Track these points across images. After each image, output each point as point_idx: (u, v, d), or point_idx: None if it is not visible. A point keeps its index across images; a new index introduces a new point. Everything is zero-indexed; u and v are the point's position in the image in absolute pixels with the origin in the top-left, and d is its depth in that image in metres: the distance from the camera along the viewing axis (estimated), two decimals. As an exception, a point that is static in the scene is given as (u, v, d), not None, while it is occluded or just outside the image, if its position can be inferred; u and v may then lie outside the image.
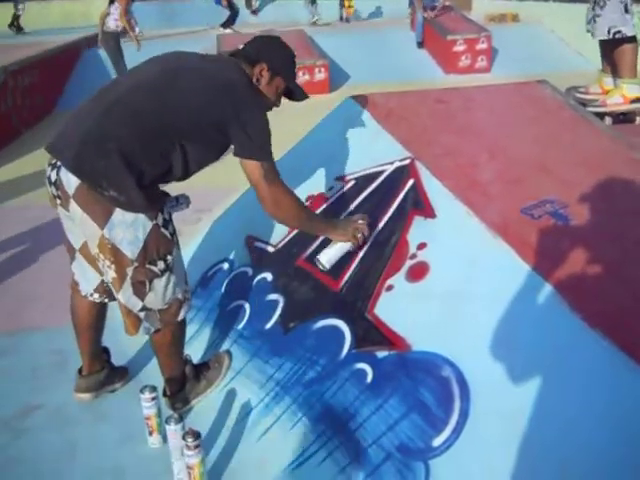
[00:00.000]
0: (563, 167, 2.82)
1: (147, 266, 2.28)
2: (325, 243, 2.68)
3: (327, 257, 2.60)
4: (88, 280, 2.51)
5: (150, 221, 2.24)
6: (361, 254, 2.63)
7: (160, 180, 2.30)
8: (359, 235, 2.57)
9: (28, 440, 2.53)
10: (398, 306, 2.37)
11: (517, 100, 3.88)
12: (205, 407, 2.61)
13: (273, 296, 2.81)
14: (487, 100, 3.88)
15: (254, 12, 16.05)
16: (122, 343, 2.89)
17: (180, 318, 2.48)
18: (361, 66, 7.96)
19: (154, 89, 2.27)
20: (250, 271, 3.02)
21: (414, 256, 2.48)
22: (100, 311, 2.67)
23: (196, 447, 2.14)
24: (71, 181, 2.16)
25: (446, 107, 3.64)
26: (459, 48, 11.10)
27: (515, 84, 4.25)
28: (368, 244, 2.63)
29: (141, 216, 2.21)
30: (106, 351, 2.82)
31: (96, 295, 2.55)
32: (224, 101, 2.27)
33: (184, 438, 2.16)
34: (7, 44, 10.71)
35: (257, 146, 2.31)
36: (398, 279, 2.44)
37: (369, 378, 2.23)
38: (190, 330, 2.96)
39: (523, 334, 2.04)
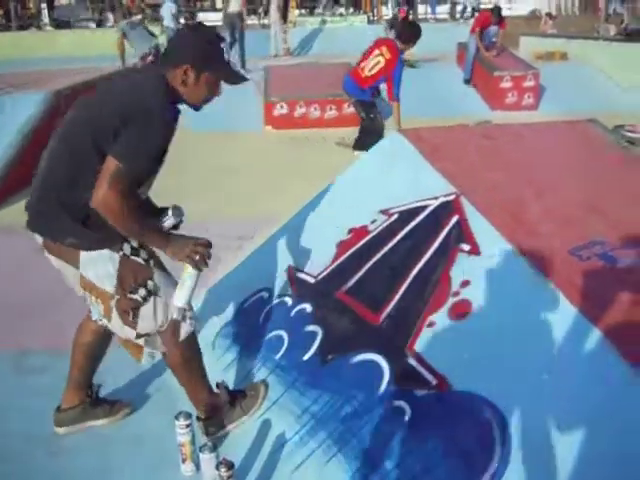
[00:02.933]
0: (613, 208, 2.76)
1: (129, 296, 2.33)
2: None
3: (178, 299, 2.33)
4: (95, 308, 2.53)
5: (116, 253, 2.31)
6: (402, 289, 2.60)
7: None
8: (197, 257, 2.27)
9: (65, 460, 2.54)
10: (439, 343, 2.33)
11: (566, 138, 3.83)
12: (239, 436, 2.59)
13: (312, 327, 2.79)
14: (535, 137, 3.84)
15: (289, 53, 15.77)
16: (160, 367, 2.90)
17: (182, 338, 2.45)
18: (407, 100, 7.99)
19: (67, 131, 2.35)
20: (290, 301, 3.01)
21: (457, 293, 2.44)
22: (102, 339, 2.65)
23: (229, 478, 2.12)
24: (38, 238, 2.37)
25: (493, 143, 3.61)
26: (506, 85, 11.05)
27: (564, 122, 4.21)
28: (408, 281, 2.60)
29: (104, 251, 2.29)
30: (91, 387, 2.75)
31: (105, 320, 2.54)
32: (116, 119, 2.19)
33: (218, 468, 2.14)
34: (67, 68, 11.03)
35: (125, 149, 2.16)
36: (440, 316, 2.41)
37: (407, 416, 2.19)
38: (228, 358, 2.97)
39: (568, 379, 1.98)
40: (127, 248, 2.33)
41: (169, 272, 2.49)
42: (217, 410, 2.61)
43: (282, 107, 10.02)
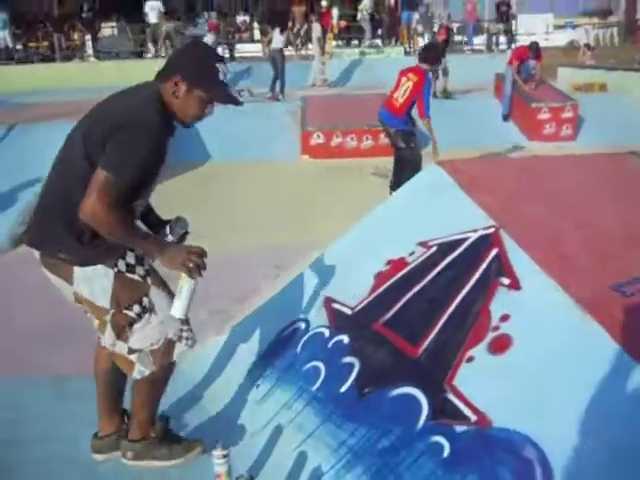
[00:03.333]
0: (657, 243, 2.72)
1: (124, 311, 2.35)
2: None
3: (175, 310, 2.30)
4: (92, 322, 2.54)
5: (111, 269, 2.31)
6: (441, 322, 2.59)
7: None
8: (190, 265, 2.23)
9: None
10: (479, 379, 2.30)
11: (606, 171, 3.79)
12: (276, 467, 2.57)
13: (349, 359, 2.78)
14: (575, 169, 3.81)
15: (326, 84, 15.88)
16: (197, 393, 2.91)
17: (173, 358, 2.47)
18: (444, 131, 8.00)
19: (64, 146, 2.37)
20: (327, 332, 3.01)
21: (497, 328, 2.41)
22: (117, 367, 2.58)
23: (265, 510, 2.10)
24: (35, 253, 2.36)
25: (532, 175, 3.58)
26: (544, 116, 11.02)
27: (604, 155, 4.17)
28: (447, 314, 2.58)
29: (99, 267, 2.30)
30: (125, 414, 2.72)
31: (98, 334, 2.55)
32: (106, 130, 2.19)
33: (253, 499, 2.13)
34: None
35: (113, 160, 2.15)
36: (479, 350, 2.38)
37: (446, 452, 2.16)
38: (263, 389, 2.97)
39: (610, 418, 1.93)
40: (122, 265, 2.33)
41: (170, 290, 2.44)
42: (145, 439, 2.56)
43: (319, 136, 10.12)
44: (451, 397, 2.30)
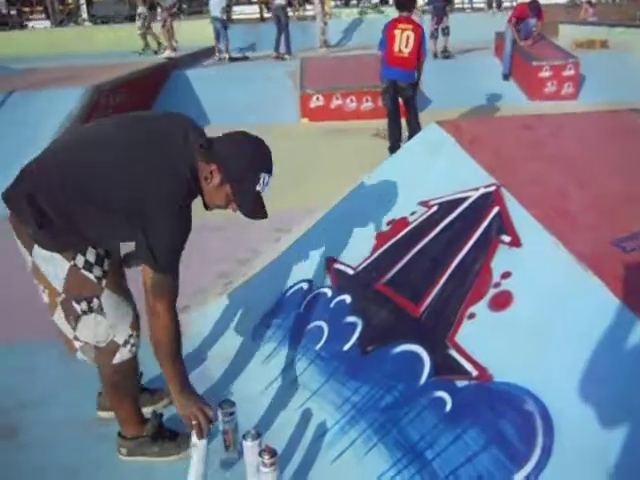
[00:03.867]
0: (657, 199, 2.72)
1: (72, 302, 2.27)
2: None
3: (190, 476, 2.24)
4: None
5: (67, 261, 2.21)
6: (443, 280, 2.61)
7: (69, 229, 2.17)
8: (194, 422, 2.22)
9: (110, 445, 2.61)
10: (480, 335, 2.33)
11: (608, 128, 3.77)
12: (281, 425, 2.62)
13: (352, 318, 2.81)
14: (576, 128, 3.79)
15: (325, 45, 15.70)
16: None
17: (115, 362, 2.38)
18: (443, 91, 7.96)
19: (93, 143, 2.22)
20: (329, 292, 3.03)
21: (498, 284, 2.44)
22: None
23: (272, 465, 2.15)
24: (9, 211, 2.21)
25: (533, 134, 3.57)
26: (545, 74, 10.90)
27: (605, 112, 4.15)
28: (449, 272, 2.61)
29: (56, 255, 2.19)
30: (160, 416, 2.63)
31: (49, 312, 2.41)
32: (140, 192, 2.08)
33: (260, 455, 2.18)
34: (103, 64, 11.22)
35: (153, 256, 2.10)
36: (481, 307, 2.40)
37: (448, 407, 2.20)
38: (268, 348, 3.01)
39: (611, 372, 1.96)
40: (80, 260, 2.23)
41: (129, 299, 2.41)
42: (138, 434, 2.53)
43: (318, 99, 10.04)
44: (453, 353, 2.34)
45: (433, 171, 3.23)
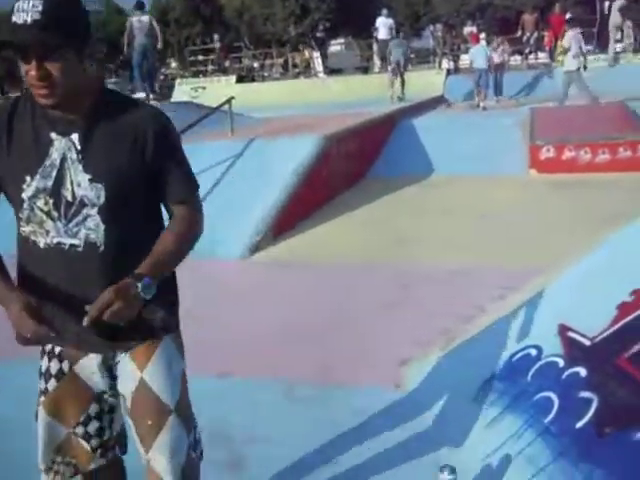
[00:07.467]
0: None
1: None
2: None
3: None
4: None
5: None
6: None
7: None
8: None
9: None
10: None
11: None
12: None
13: (586, 394, 2.60)
14: None
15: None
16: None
17: None
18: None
19: None
20: (561, 362, 2.85)
21: None
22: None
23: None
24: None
25: None
26: None
27: None
28: None
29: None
30: None
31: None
32: None
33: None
34: (338, 113, 11.83)
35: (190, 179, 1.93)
36: None
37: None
38: (492, 413, 2.89)
39: None
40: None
41: None
42: None
43: (548, 150, 9.67)
44: None
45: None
